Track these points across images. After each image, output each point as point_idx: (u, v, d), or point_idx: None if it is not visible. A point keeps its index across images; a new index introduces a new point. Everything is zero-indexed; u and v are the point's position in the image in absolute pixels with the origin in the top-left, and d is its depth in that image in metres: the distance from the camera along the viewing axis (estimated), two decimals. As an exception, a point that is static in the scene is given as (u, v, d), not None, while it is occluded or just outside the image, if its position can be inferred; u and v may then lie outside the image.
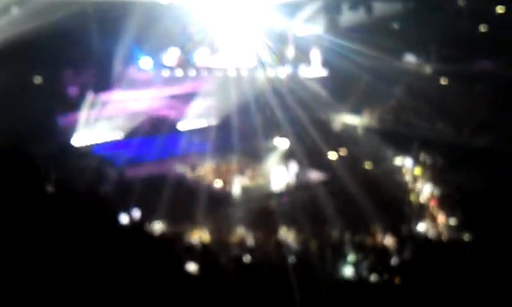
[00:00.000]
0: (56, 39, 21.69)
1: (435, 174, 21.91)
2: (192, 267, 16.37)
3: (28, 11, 21.87)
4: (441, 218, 19.50)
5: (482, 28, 25.09)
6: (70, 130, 23.89)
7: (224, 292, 13.75)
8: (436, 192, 20.85)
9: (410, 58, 26.28)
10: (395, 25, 25.75)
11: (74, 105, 24.24)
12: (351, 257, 17.41)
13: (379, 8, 25.37)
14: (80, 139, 23.98)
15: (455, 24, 24.70)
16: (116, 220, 19.24)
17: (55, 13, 21.01)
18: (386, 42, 24.56)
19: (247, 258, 17.83)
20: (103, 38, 23.84)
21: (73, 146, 23.71)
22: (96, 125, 24.29)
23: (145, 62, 25.95)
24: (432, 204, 20.40)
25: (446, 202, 20.14)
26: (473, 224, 18.23)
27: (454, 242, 18.25)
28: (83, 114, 24.08)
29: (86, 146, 24.00)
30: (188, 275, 16.28)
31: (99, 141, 24.42)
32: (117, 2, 22.29)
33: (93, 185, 20.49)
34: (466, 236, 18.00)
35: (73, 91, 24.70)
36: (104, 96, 24.47)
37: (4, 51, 20.80)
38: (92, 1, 22.40)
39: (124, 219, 19.28)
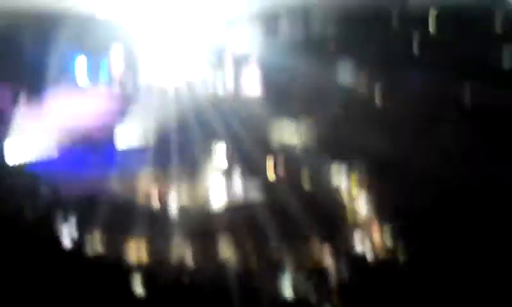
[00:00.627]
0: None
1: (372, 191, 22.34)
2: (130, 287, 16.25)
3: None
4: (378, 236, 19.92)
5: (417, 41, 25.59)
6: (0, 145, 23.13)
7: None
8: (373, 209, 21.27)
9: (347, 72, 26.56)
10: (333, 40, 25.92)
11: (4, 119, 23.52)
12: (290, 277, 17.62)
13: (317, 23, 25.64)
14: (11, 155, 23.18)
15: (391, 38, 25.15)
16: (49, 239, 18.84)
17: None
18: (324, 57, 24.80)
19: (186, 279, 17.83)
20: (36, 50, 23.24)
21: (2, 163, 22.93)
22: (28, 140, 23.58)
23: (80, 75, 25.36)
24: (370, 222, 20.80)
25: (382, 220, 20.57)
26: (410, 242, 18.71)
27: (390, 262, 18.69)
28: (14, 129, 23.36)
29: (18, 162, 23.25)
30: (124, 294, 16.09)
31: (32, 157, 23.70)
32: (51, 14, 21.69)
33: (25, 204, 20.01)
34: (403, 256, 18.47)
35: (2, 104, 23.90)
36: (37, 109, 23.79)
37: None
38: (25, 12, 21.70)
39: (58, 237, 18.95)
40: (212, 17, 23.72)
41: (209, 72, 25.67)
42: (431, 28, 24.95)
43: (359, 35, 25.12)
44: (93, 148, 24.53)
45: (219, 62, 25.73)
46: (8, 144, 23.00)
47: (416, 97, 24.31)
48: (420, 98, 24.14)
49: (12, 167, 22.76)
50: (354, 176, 23.57)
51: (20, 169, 22.83)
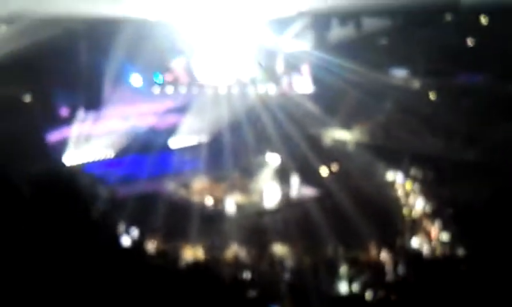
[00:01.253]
0: (45, 57, 21.69)
1: (426, 189, 22.08)
2: (186, 285, 16.34)
3: (18, 30, 21.81)
4: (434, 233, 19.65)
5: (469, 42, 25.30)
6: (61, 149, 23.72)
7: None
8: (428, 207, 21.00)
9: (399, 73, 26.41)
10: (384, 41, 25.87)
11: (64, 124, 24.15)
12: (345, 273, 17.48)
13: (367, 24, 25.52)
14: (71, 158, 23.79)
15: (442, 39, 24.89)
16: (110, 240, 19.20)
17: (45, 32, 21.01)
18: (375, 57, 24.73)
19: (241, 276, 17.85)
20: (93, 56, 23.81)
21: (63, 166, 23.50)
22: (87, 144, 24.18)
23: (136, 79, 25.90)
24: (425, 219, 20.55)
25: (438, 217, 20.30)
26: (466, 238, 18.36)
27: (447, 258, 18.36)
28: (73, 133, 23.98)
29: (77, 165, 23.81)
30: (182, 293, 16.24)
31: (90, 160, 24.28)
32: (107, 20, 22.23)
33: (84, 205, 20.44)
34: (460, 251, 18.13)
35: (63, 109, 24.57)
36: (95, 114, 24.41)
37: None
38: (82, 19, 22.31)
39: (117, 238, 19.25)
40: (265, 20, 23.88)
41: (263, 73, 25.95)
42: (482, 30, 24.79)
43: (411, 38, 25.08)
44: (149, 150, 25.18)
45: (272, 64, 25.97)
46: (69, 148, 23.77)
47: (468, 97, 24.09)
48: (472, 97, 23.93)
49: (72, 169, 23.43)
50: (410, 175, 23.46)
51: (80, 172, 23.50)
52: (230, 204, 22.63)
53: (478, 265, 16.70)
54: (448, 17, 24.56)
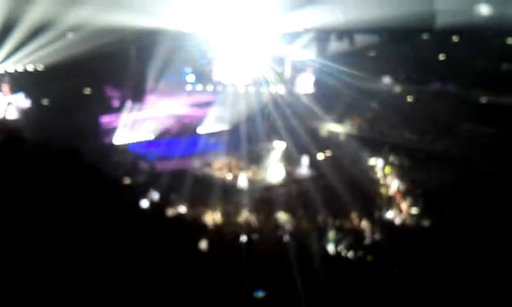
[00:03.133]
0: (101, 59, 21.91)
1: (401, 173, 22.08)
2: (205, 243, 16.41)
3: (80, 37, 22.05)
4: (405, 207, 19.65)
5: (441, 56, 25.18)
6: (112, 131, 24.04)
7: (232, 264, 13.92)
8: (402, 187, 21.02)
9: (384, 79, 26.31)
10: (372, 53, 25.80)
11: (115, 112, 24.43)
12: (333, 237, 17.57)
13: (359, 39, 25.51)
14: (120, 139, 24.16)
15: (418, 53, 24.78)
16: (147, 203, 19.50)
17: (102, 38, 21.24)
18: (365, 66, 24.66)
19: (251, 236, 17.94)
20: (139, 59, 24.01)
21: (114, 144, 23.84)
22: (132, 128, 24.44)
23: (172, 78, 26.09)
24: (398, 196, 20.56)
25: (409, 195, 20.33)
26: (431, 213, 18.42)
27: (415, 228, 18.42)
28: (122, 119, 24.26)
29: (124, 144, 24.14)
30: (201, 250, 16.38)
31: (134, 141, 24.57)
32: (151, 30, 22.43)
33: (129, 175, 20.78)
34: (425, 223, 18.18)
35: (114, 100, 24.86)
36: (138, 105, 24.66)
37: (61, 68, 21.11)
38: (131, 30, 22.52)
39: (153, 201, 19.53)
40: (277, 34, 23.87)
41: (273, 76, 25.97)
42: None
43: (393, 52, 24.95)
44: (181, 135, 25.39)
45: (282, 69, 25.97)
46: (118, 131, 24.10)
47: (438, 100, 23.94)
48: (441, 101, 23.77)
49: (120, 147, 23.82)
50: (389, 161, 23.41)
51: (126, 150, 23.83)
52: (243, 180, 22.67)
53: (439, 234, 16.81)
54: (424, 36, 24.44)
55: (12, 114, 22.72)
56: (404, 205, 19.72)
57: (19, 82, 22.68)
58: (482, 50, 23.59)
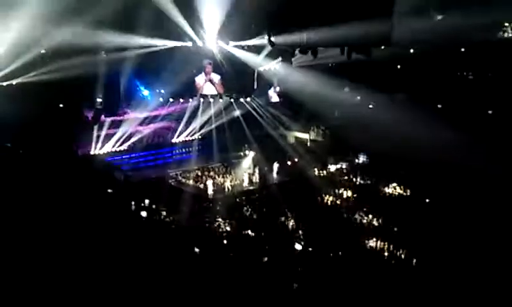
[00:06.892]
0: (75, 77, 21.84)
1: (360, 173, 23.39)
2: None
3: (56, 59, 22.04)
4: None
5: (397, 67, 26.15)
6: (87, 143, 24.37)
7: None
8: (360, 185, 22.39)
9: (345, 89, 27.07)
10: (334, 65, 26.34)
11: (90, 125, 24.74)
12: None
13: (322, 53, 26.17)
14: (95, 150, 24.59)
15: (377, 65, 25.52)
16: (122, 209, 19.98)
17: (76, 59, 21.60)
18: (328, 77, 25.24)
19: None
20: (112, 76, 24.02)
21: (90, 155, 24.23)
22: (108, 140, 24.90)
23: (145, 92, 26.53)
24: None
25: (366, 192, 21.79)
26: (381, 210, 19.60)
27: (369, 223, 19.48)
28: (97, 132, 24.63)
29: (99, 155, 24.57)
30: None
31: (110, 151, 25.08)
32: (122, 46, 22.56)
33: (104, 184, 21.13)
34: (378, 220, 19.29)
35: (89, 115, 24.91)
36: (112, 118, 25.11)
37: (40, 87, 21.41)
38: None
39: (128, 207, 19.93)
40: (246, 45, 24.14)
41: (242, 87, 26.68)
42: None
43: (354, 64, 25.63)
44: (155, 146, 26.09)
45: (251, 79, 26.40)
46: (95, 143, 24.45)
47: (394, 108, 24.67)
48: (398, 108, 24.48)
49: (97, 158, 24.28)
50: (350, 165, 24.44)
51: (102, 160, 24.27)
52: (215, 186, 23.17)
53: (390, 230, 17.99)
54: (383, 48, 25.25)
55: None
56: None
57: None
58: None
